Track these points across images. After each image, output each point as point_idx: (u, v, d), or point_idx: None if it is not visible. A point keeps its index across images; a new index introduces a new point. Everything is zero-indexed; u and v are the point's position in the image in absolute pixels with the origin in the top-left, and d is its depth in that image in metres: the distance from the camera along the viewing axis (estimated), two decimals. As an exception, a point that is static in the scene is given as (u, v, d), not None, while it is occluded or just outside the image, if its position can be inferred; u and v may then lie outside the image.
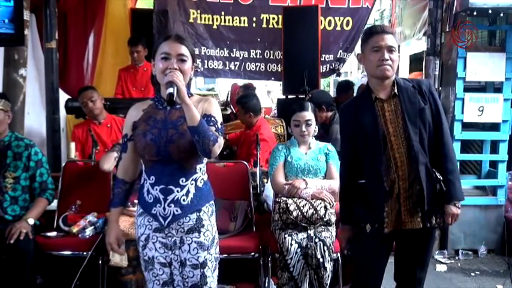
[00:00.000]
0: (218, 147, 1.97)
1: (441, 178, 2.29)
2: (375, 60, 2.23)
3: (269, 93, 8.50)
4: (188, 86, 2.09)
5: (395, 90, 2.29)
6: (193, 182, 2.06)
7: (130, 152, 2.11)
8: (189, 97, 1.97)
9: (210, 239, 2.10)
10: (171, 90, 1.89)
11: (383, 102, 2.29)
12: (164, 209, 2.03)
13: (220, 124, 2.05)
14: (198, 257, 2.06)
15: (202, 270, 2.07)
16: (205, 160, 2.12)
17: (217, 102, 2.15)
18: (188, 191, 2.05)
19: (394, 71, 2.29)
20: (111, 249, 2.16)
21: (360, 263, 2.43)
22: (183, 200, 2.04)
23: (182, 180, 2.04)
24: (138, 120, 2.09)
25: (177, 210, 2.03)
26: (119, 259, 2.29)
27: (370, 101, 2.30)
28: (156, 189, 2.03)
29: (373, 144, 2.26)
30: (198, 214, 2.07)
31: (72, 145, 3.91)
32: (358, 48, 6.88)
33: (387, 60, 2.22)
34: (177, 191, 2.03)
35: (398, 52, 7.71)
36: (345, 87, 5.82)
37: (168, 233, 2.06)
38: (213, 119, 2.03)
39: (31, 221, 3.04)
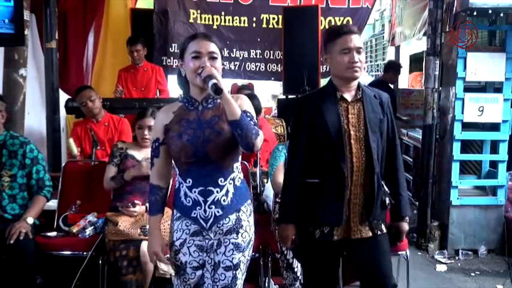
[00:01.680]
0: (260, 141, 1.93)
1: (389, 192, 2.27)
2: (345, 62, 2.18)
3: (274, 97, 8.35)
4: None
5: (360, 95, 2.25)
6: (231, 181, 2.02)
7: (163, 156, 2.06)
8: None
9: (247, 241, 2.06)
10: (214, 81, 1.85)
11: (347, 104, 2.24)
12: (205, 211, 1.98)
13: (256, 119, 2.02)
14: (233, 259, 2.02)
15: (234, 272, 2.03)
16: (240, 158, 2.09)
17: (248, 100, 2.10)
18: (227, 191, 2.00)
19: (362, 71, 2.26)
20: (157, 259, 2.08)
21: (309, 270, 2.33)
22: (223, 200, 1.99)
23: (221, 180, 1.99)
24: (170, 122, 2.03)
25: (218, 212, 1.99)
26: (166, 268, 2.23)
27: (335, 98, 2.24)
28: (195, 192, 1.98)
29: (336, 143, 2.18)
30: (237, 214, 2.03)
31: (71, 140, 3.89)
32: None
33: (357, 62, 2.18)
34: (217, 192, 1.98)
35: (399, 50, 7.73)
36: (394, 66, 5.98)
37: (206, 236, 2.02)
38: (249, 114, 1.98)
39: (30, 221, 3.04)
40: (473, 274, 3.98)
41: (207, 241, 2.03)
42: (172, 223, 2.09)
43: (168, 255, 2.12)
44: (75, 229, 3.17)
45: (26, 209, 3.13)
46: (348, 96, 2.24)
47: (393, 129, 2.32)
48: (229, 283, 2.03)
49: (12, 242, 2.89)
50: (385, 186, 2.26)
